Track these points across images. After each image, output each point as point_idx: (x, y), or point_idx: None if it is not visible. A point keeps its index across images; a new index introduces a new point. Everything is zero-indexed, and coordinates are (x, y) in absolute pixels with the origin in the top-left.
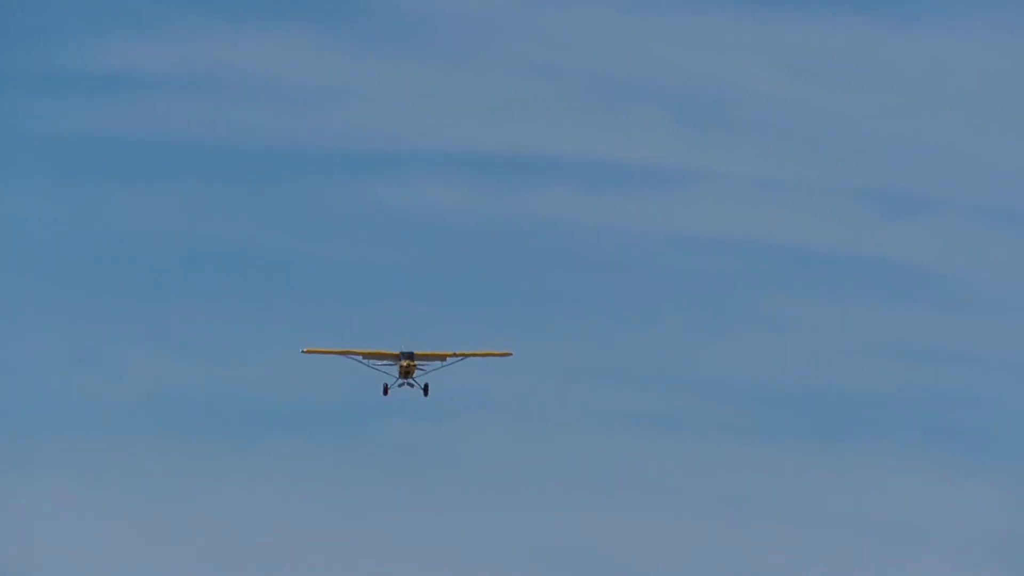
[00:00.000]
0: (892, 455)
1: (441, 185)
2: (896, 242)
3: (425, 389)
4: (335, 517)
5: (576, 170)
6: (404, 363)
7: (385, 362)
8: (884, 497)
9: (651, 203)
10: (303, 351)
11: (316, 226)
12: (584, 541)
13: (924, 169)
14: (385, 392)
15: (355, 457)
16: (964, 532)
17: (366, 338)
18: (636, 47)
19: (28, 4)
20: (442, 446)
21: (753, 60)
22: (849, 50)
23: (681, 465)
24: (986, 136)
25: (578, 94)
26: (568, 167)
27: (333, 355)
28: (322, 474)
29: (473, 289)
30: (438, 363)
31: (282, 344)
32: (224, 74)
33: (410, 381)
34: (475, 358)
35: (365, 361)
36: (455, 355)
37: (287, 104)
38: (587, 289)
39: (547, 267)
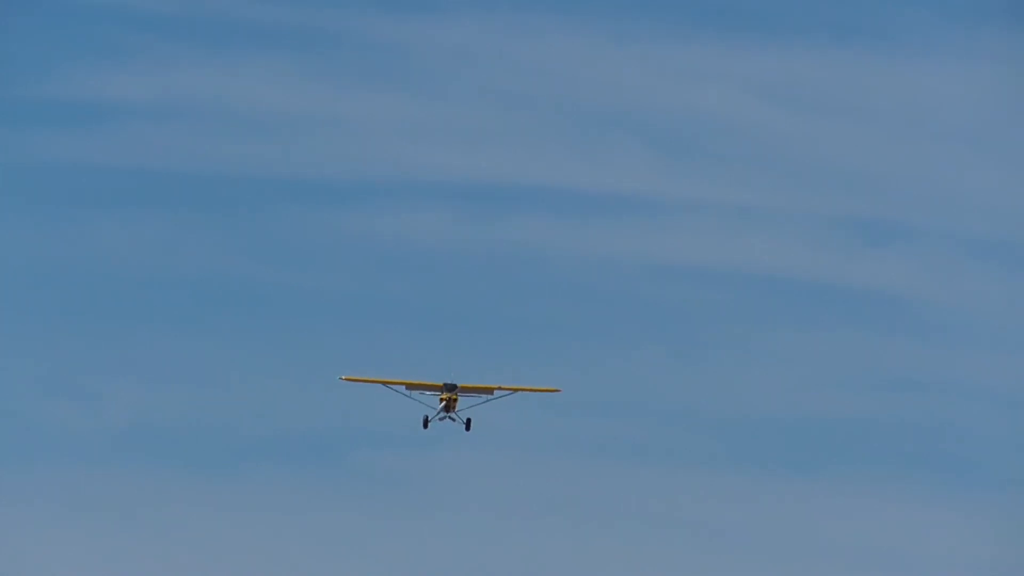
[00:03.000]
0: (870, 483)
1: (418, 214)
2: (874, 271)
3: (467, 424)
4: (338, 548)
5: (553, 199)
6: (445, 395)
7: (429, 393)
8: (863, 525)
9: (628, 232)
10: (342, 378)
11: (292, 254)
12: (562, 569)
13: (902, 198)
14: (425, 425)
15: (350, 486)
16: (940, 559)
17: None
18: (613, 77)
19: (6, 34)
20: (431, 471)
21: (731, 89)
22: (828, 80)
23: (655, 494)
24: (964, 165)
25: (555, 123)
26: (545, 196)
27: (373, 384)
28: (331, 504)
29: (446, 316)
30: (485, 397)
31: (254, 371)
32: (204, 104)
33: (452, 415)
34: (524, 392)
35: (407, 392)
36: (502, 389)
37: (266, 133)
38: (563, 318)
39: (522, 296)
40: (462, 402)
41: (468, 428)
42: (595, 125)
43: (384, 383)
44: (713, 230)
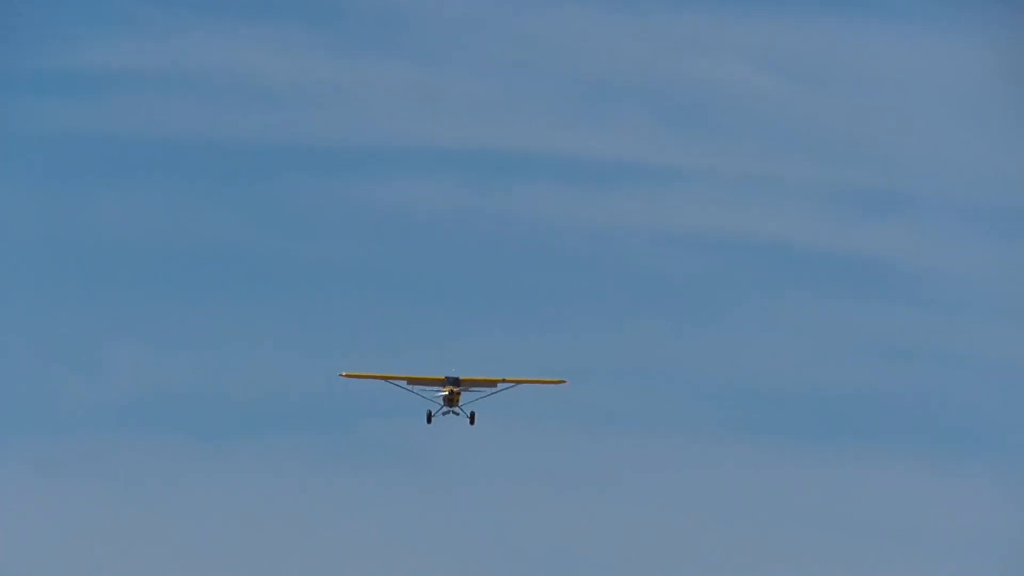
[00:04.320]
0: (873, 452)
1: (423, 183)
2: (876, 239)
3: (471, 417)
4: (345, 519)
5: (558, 168)
6: (447, 390)
7: (431, 388)
8: (867, 495)
9: (632, 201)
10: (342, 375)
11: (298, 223)
12: (562, 539)
13: (904, 167)
14: (429, 420)
15: (353, 456)
16: (948, 529)
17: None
18: (618, 46)
19: (11, 3)
20: (427, 441)
21: (734, 58)
22: (830, 48)
23: (664, 462)
24: (965, 134)
25: (561, 92)
26: (550, 165)
27: (375, 379)
28: (338, 474)
29: (452, 286)
30: (488, 390)
31: (260, 340)
32: (211, 72)
33: (455, 409)
34: (529, 385)
35: (408, 387)
36: (507, 381)
37: (272, 102)
38: (569, 287)
39: (528, 265)
40: (465, 396)
41: (472, 422)
42: (601, 94)
43: (385, 378)
44: (717, 199)
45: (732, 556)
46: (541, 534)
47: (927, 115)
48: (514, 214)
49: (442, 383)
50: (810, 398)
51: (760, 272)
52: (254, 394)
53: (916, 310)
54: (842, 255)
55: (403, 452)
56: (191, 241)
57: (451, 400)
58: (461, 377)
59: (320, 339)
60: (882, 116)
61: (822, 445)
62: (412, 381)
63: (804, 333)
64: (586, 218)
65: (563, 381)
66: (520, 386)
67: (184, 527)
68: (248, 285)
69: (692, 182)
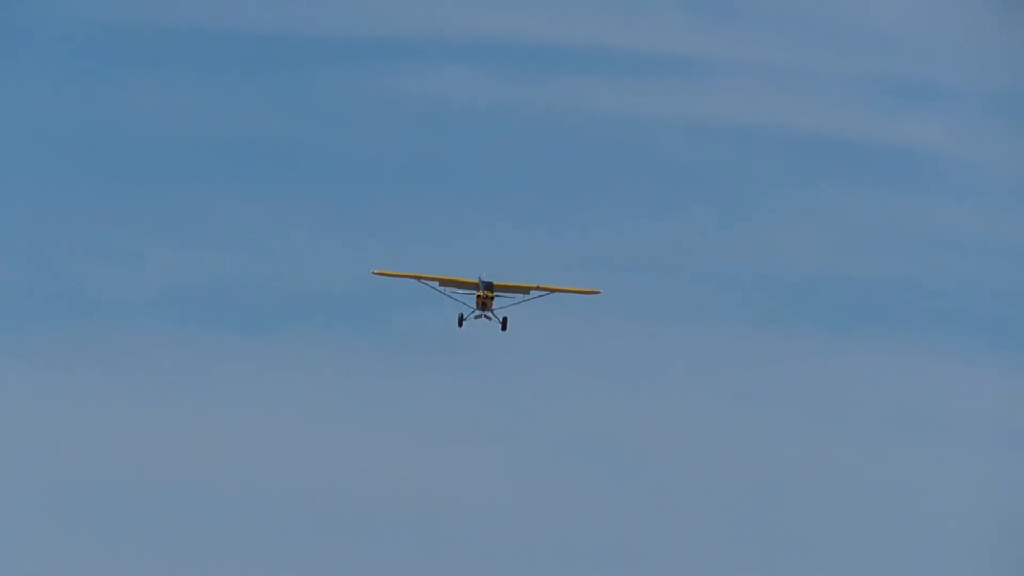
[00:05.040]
0: (904, 342)
1: (459, 75)
2: (909, 129)
3: (504, 323)
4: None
5: (593, 59)
6: (481, 294)
7: (463, 291)
8: (896, 383)
9: (667, 92)
10: (374, 272)
11: (330, 115)
12: (599, 432)
13: (937, 57)
14: (460, 323)
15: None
16: (972, 417)
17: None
18: None
19: None
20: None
21: None
22: None
23: (696, 354)
24: (995, 22)
25: None
26: (585, 56)
27: (406, 279)
28: (369, 365)
29: (484, 176)
30: (520, 296)
31: (291, 232)
32: None
33: (487, 314)
34: (561, 294)
35: (440, 288)
36: (540, 289)
37: None
38: (604, 178)
39: (563, 156)
40: (498, 301)
41: (504, 328)
42: None
43: (417, 278)
44: (750, 89)
45: (765, 445)
46: (578, 428)
47: (958, 4)
48: (548, 105)
49: (475, 287)
50: (841, 289)
51: (793, 162)
52: (286, 284)
53: (951, 200)
54: (876, 145)
55: (435, 350)
56: (221, 132)
57: (484, 304)
58: (494, 282)
59: (352, 233)
60: (916, 5)
61: (857, 335)
62: (444, 283)
63: (837, 223)
64: (621, 109)
65: (596, 291)
66: (553, 295)
67: (218, 418)
68: (280, 176)
69: (725, 74)
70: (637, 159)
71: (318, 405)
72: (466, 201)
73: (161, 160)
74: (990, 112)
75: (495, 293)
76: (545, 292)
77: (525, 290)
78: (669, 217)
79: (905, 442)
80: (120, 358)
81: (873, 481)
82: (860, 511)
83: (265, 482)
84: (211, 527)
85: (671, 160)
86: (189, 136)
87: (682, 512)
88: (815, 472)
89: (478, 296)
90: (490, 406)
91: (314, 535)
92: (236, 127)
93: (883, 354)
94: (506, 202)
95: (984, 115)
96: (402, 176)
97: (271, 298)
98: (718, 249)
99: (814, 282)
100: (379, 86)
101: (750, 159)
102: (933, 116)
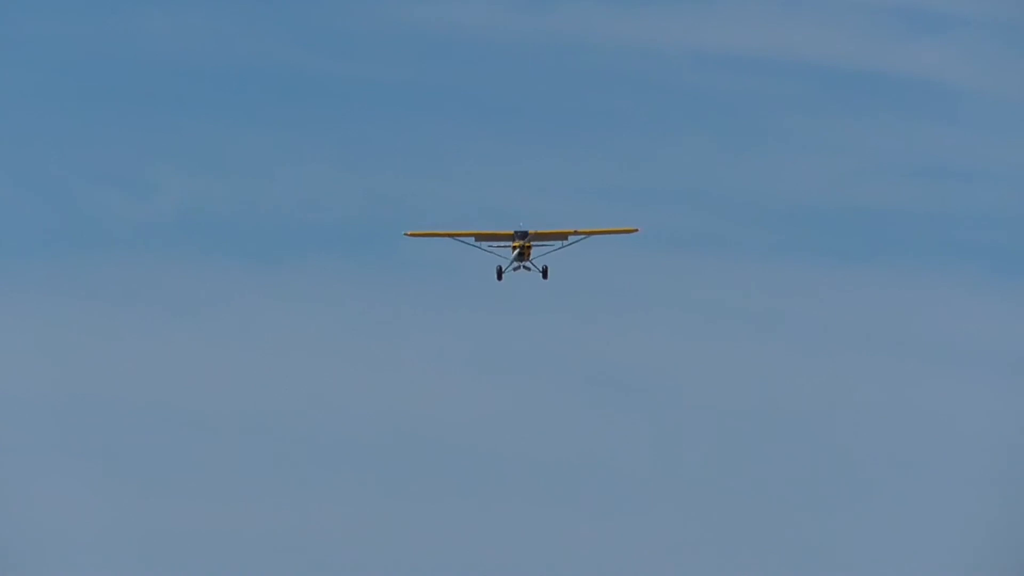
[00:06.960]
0: (914, 271)
1: (465, 3)
2: (919, 59)
3: (544, 272)
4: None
5: None
6: (517, 244)
7: (499, 244)
8: (907, 312)
9: (673, 20)
10: (406, 234)
11: (343, 43)
12: (608, 360)
13: None
14: (499, 276)
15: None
16: (985, 346)
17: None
18: None
19: None
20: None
21: None
22: None
23: (704, 282)
24: None
25: None
26: None
27: (440, 237)
28: (385, 294)
29: (490, 105)
30: (558, 243)
31: (305, 160)
32: None
33: (526, 264)
34: (600, 236)
35: (476, 243)
36: (577, 233)
37: None
38: (610, 107)
39: (568, 85)
40: (536, 250)
41: (545, 276)
42: None
43: (451, 235)
44: (759, 18)
45: (786, 372)
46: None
47: None
48: (553, 34)
49: (511, 238)
50: (853, 217)
51: (803, 92)
52: (299, 213)
53: (963, 129)
54: (887, 74)
55: (457, 271)
56: (234, 60)
57: (522, 254)
58: (530, 231)
59: (366, 158)
60: None
61: (867, 264)
62: (480, 237)
63: (848, 153)
64: (627, 37)
65: (635, 229)
66: (591, 238)
67: (232, 349)
68: (294, 105)
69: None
70: (640, 87)
71: (338, 333)
72: (470, 127)
73: (173, 88)
74: (1006, 41)
75: (532, 243)
76: (583, 236)
77: (563, 236)
78: (673, 145)
79: (920, 372)
80: (131, 286)
81: (889, 409)
82: (877, 440)
83: (289, 413)
84: (227, 456)
85: (676, 88)
86: (201, 64)
87: (728, 449)
88: (849, 402)
89: (514, 247)
90: (535, 346)
91: (339, 465)
92: (248, 55)
93: (889, 283)
94: (506, 129)
95: (1000, 44)
96: (412, 104)
97: (286, 225)
98: (723, 177)
99: (818, 210)
100: (391, 14)
101: (757, 87)
102: (948, 45)
